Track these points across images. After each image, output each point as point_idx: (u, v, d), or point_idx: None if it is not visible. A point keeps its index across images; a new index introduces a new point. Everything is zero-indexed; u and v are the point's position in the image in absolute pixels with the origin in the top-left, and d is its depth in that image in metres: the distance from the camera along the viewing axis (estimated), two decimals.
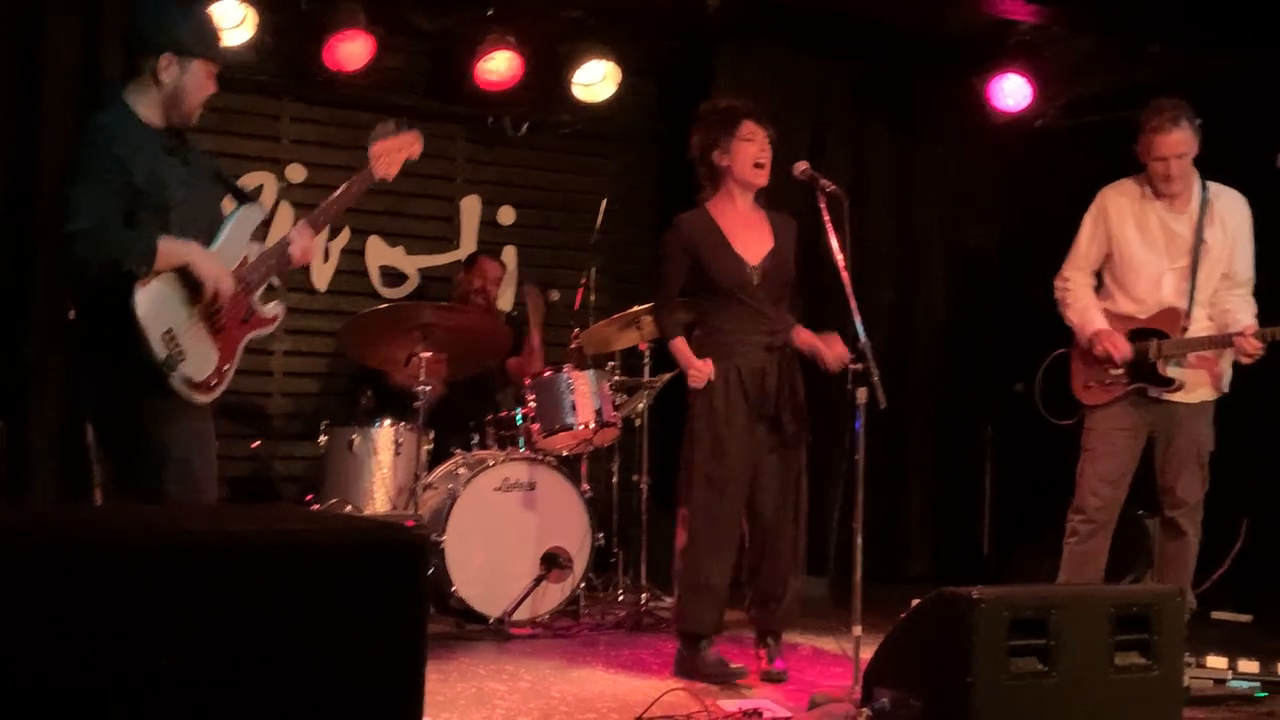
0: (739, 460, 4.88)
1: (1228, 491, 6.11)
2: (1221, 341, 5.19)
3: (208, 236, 3.99)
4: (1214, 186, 5.34)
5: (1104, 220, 5.43)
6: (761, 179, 5.00)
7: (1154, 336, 5.28)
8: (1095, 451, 5.36)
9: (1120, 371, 5.30)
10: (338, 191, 4.35)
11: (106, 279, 3.76)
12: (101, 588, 2.15)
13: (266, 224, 4.25)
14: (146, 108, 3.98)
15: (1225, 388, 5.36)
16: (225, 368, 3.99)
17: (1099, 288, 5.51)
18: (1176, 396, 5.27)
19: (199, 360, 3.90)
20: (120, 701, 2.15)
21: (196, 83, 4.02)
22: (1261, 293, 5.40)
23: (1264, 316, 5.18)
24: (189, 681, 2.20)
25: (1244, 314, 5.23)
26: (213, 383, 3.95)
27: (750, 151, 4.96)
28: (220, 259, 3.97)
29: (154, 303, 3.81)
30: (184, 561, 2.26)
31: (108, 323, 3.80)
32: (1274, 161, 5.02)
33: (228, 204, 4.21)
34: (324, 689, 2.34)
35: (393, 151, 4.44)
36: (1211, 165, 5.42)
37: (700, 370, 4.87)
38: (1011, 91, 7.26)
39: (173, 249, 3.86)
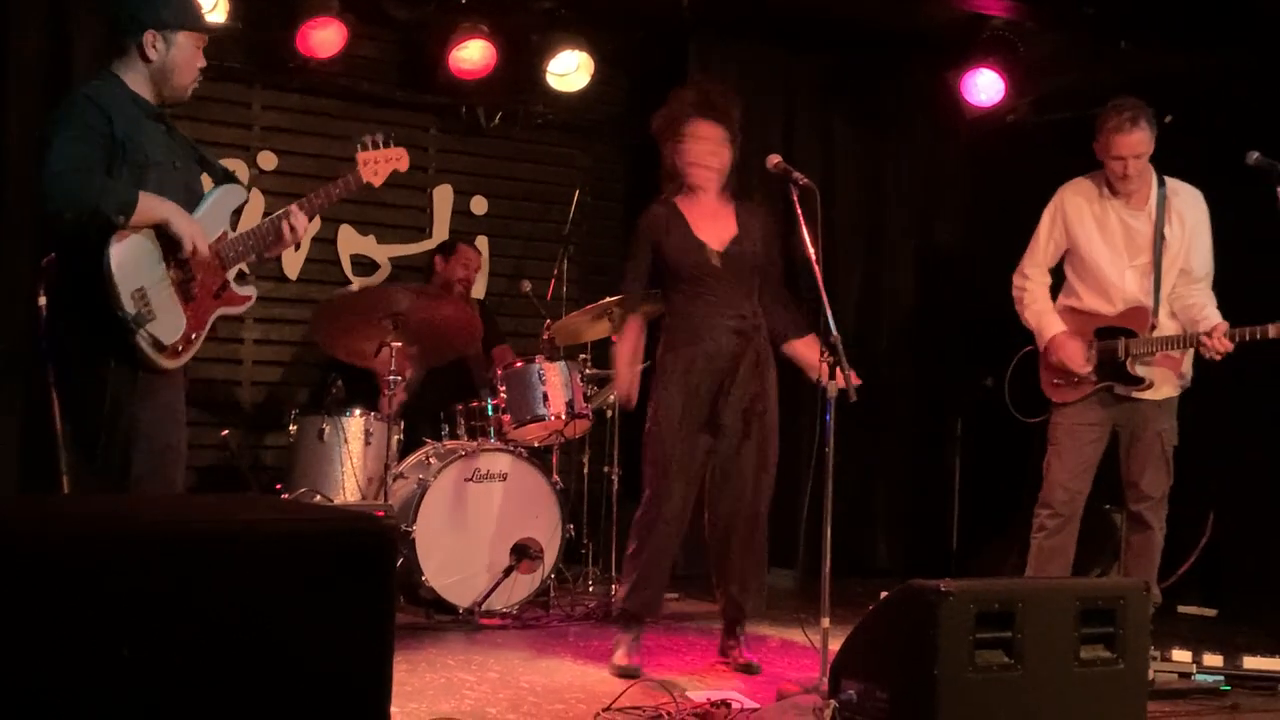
0: (697, 447, 4.89)
1: (1194, 486, 6.16)
2: (1190, 341, 5.23)
3: (185, 206, 3.99)
4: (1171, 183, 5.40)
5: (1062, 218, 5.50)
6: (702, 178, 4.99)
7: (1122, 335, 5.33)
8: (1061, 446, 5.41)
9: (1088, 370, 5.34)
10: (326, 187, 4.39)
11: (82, 227, 3.74)
12: (65, 581, 2.15)
13: (241, 208, 4.24)
14: (137, 84, 3.99)
15: (1188, 383, 5.42)
16: (194, 336, 3.98)
17: (1062, 283, 5.56)
18: (1144, 394, 5.32)
19: (167, 324, 3.89)
20: (82, 692, 2.14)
21: (185, 56, 4.03)
22: (1235, 287, 5.44)
23: (1237, 311, 5.22)
24: (152, 672, 2.20)
25: (1210, 310, 5.27)
26: (180, 348, 3.93)
27: (695, 151, 4.97)
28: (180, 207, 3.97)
29: (128, 258, 3.80)
30: (149, 552, 2.25)
31: (79, 278, 3.78)
32: (1248, 159, 5.04)
33: (205, 183, 4.21)
34: (290, 679, 2.33)
35: (380, 161, 4.53)
36: (1181, 162, 5.45)
37: (626, 396, 5.05)
38: (984, 86, 7.27)
39: (153, 204, 3.86)
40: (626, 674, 4.78)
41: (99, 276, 3.75)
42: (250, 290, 4.23)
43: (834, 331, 4.38)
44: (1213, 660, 4.76)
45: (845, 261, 7.67)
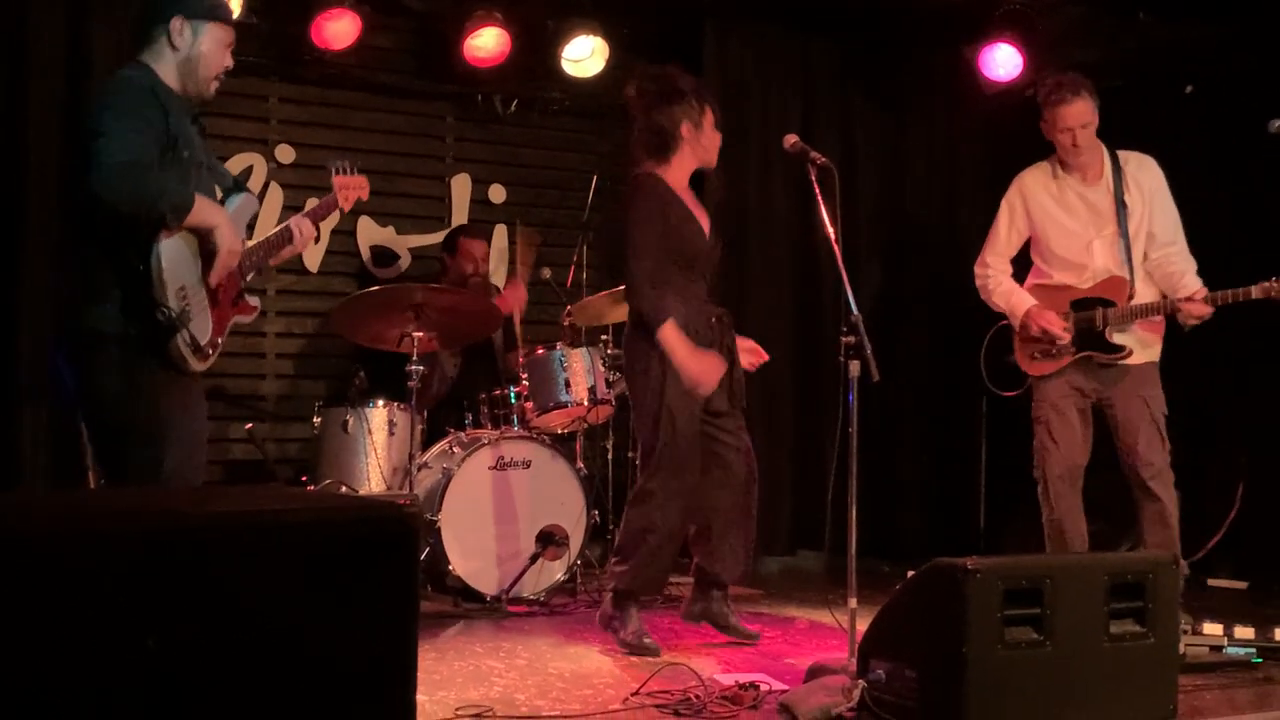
0: (694, 427, 4.90)
1: (1223, 458, 6.14)
2: (1168, 307, 5.28)
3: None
4: (1123, 154, 5.46)
5: (1021, 204, 5.57)
6: (706, 165, 5.09)
7: (1099, 305, 5.37)
8: (1049, 422, 5.47)
9: (1066, 341, 5.35)
10: (315, 204, 4.59)
11: (132, 219, 3.72)
12: (92, 573, 2.15)
13: (254, 220, 4.29)
14: (167, 75, 3.98)
15: (1158, 347, 5.45)
16: (218, 340, 4.00)
17: (1028, 270, 5.61)
18: (1123, 360, 5.37)
19: (201, 325, 3.91)
20: (109, 683, 2.15)
21: (211, 48, 4.03)
22: (1248, 256, 5.41)
23: (1253, 276, 5.19)
24: (177, 663, 2.20)
25: (1190, 278, 5.31)
26: (209, 351, 3.95)
27: (718, 141, 5.06)
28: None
29: (174, 256, 3.80)
30: (175, 544, 2.25)
31: (122, 272, 3.76)
32: (1269, 128, 5.02)
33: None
34: (314, 668, 2.33)
35: (350, 188, 4.69)
36: (1199, 131, 5.42)
37: (710, 372, 4.83)
38: (1002, 61, 7.22)
39: (207, 208, 3.87)
40: (645, 651, 4.80)
41: (145, 271, 3.73)
42: (256, 300, 4.27)
43: (854, 311, 4.36)
44: (1244, 633, 4.73)
45: (868, 241, 7.65)
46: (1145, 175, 5.43)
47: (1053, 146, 5.47)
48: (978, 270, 5.66)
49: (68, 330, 3.92)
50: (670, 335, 4.78)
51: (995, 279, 5.60)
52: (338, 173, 4.64)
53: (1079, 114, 5.32)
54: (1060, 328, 5.39)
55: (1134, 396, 5.36)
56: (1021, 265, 5.68)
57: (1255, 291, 5.09)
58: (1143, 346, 5.38)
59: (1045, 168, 5.54)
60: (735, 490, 5.06)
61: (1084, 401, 5.44)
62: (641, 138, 5.04)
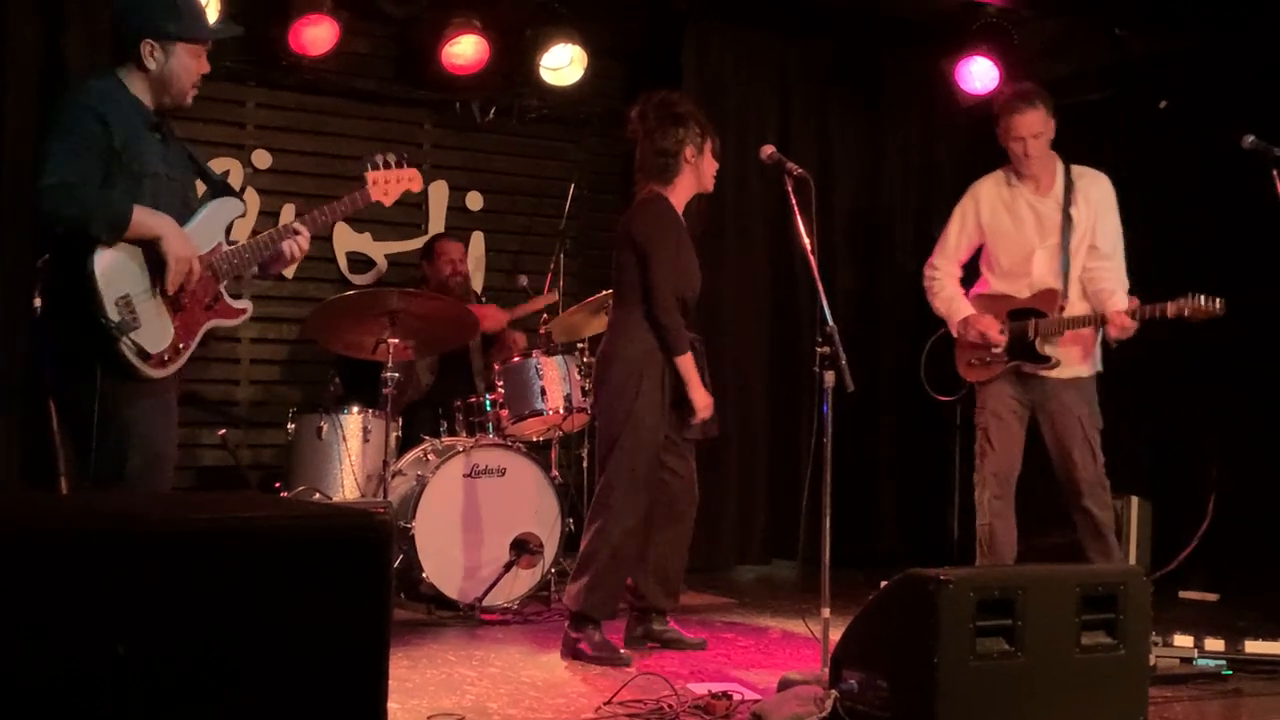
0: (656, 448, 4.98)
1: (1195, 471, 6.16)
2: (1097, 320, 5.34)
3: (179, 218, 3.98)
4: (1076, 169, 5.51)
5: (974, 211, 5.62)
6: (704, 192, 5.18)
7: (1033, 316, 5.43)
8: (988, 428, 5.53)
9: (1000, 350, 5.41)
10: (333, 204, 4.37)
11: (71, 237, 3.74)
12: (61, 579, 2.14)
13: (234, 222, 4.24)
14: (138, 89, 3.99)
15: (1099, 366, 5.51)
16: (181, 346, 3.97)
17: (974, 279, 5.66)
18: (1052, 373, 5.41)
19: (154, 333, 3.88)
20: (79, 689, 2.14)
21: (183, 65, 4.02)
22: (1231, 266, 5.44)
23: (1224, 290, 5.23)
24: (149, 669, 2.19)
25: (1120, 295, 5.35)
26: (166, 358, 3.92)
27: (715, 168, 5.13)
28: (192, 240, 3.96)
29: (112, 267, 3.81)
30: (148, 550, 2.24)
31: (67, 285, 3.79)
32: (1243, 142, 5.06)
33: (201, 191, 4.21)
34: (287, 675, 2.33)
35: (393, 182, 4.52)
36: (1174, 145, 5.45)
37: (711, 406, 4.98)
38: (979, 74, 7.26)
39: (147, 220, 3.85)
40: (617, 661, 4.83)
41: (84, 282, 3.76)
42: (245, 304, 4.22)
43: (830, 321, 4.37)
44: (1214, 645, 4.76)
45: (842, 250, 7.67)
46: (1094, 190, 5.48)
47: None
48: (926, 271, 5.73)
49: (43, 343, 3.95)
50: (688, 364, 4.94)
51: (940, 282, 5.67)
52: (373, 168, 4.51)
53: (1030, 124, 5.37)
54: (997, 331, 5.44)
55: (1067, 412, 5.41)
56: (972, 275, 5.73)
57: (1170, 309, 5.17)
58: (1071, 359, 5.42)
59: (1000, 176, 5.59)
60: (675, 518, 5.14)
61: (1020, 410, 5.50)
62: (645, 160, 5.08)
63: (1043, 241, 5.46)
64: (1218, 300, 5.13)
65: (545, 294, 6.95)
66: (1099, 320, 5.33)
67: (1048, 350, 5.40)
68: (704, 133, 5.05)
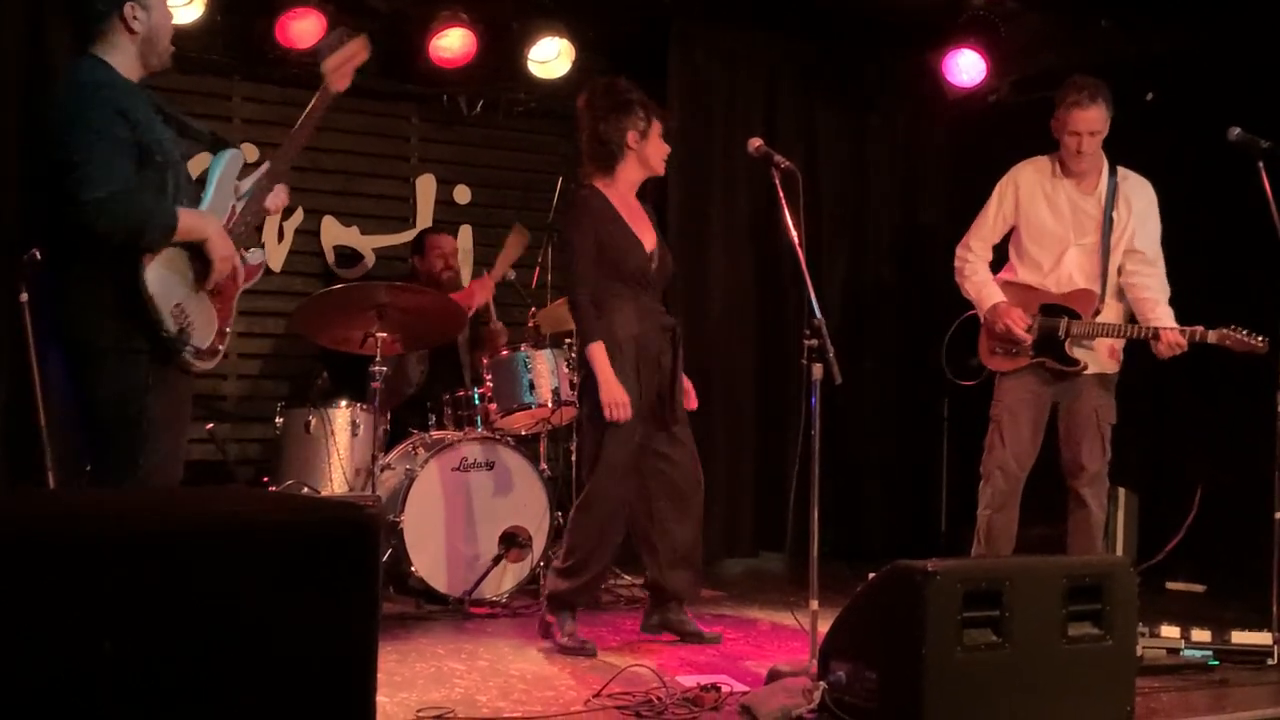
0: (638, 438, 4.97)
1: (1181, 462, 6.17)
2: (1130, 332, 5.30)
3: (193, 196, 3.99)
4: (1122, 171, 5.47)
5: (1014, 194, 5.55)
6: (654, 174, 5.19)
7: (1066, 314, 5.37)
8: (1003, 423, 5.49)
9: (1027, 344, 5.40)
10: (302, 120, 4.31)
11: (123, 248, 3.72)
12: (47, 575, 2.14)
13: (243, 171, 4.21)
14: (124, 64, 3.94)
15: (1120, 363, 5.49)
16: (225, 328, 4.03)
17: (1001, 262, 5.62)
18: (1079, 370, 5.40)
19: (204, 328, 3.93)
20: (67, 687, 2.14)
21: (163, 15, 4.02)
22: (1217, 264, 5.44)
23: (1213, 285, 5.24)
24: (137, 665, 2.19)
25: (1162, 309, 5.30)
26: (217, 346, 3.99)
27: (664, 151, 5.12)
28: (216, 217, 3.98)
29: (163, 277, 3.81)
30: (134, 546, 2.24)
31: (117, 282, 3.76)
32: (1229, 135, 5.07)
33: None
34: (275, 669, 2.33)
35: (344, 62, 4.41)
36: (1162, 141, 5.45)
37: (620, 404, 4.85)
38: (965, 67, 7.27)
39: (192, 223, 3.86)
40: (582, 652, 4.87)
41: (138, 297, 3.75)
42: (260, 255, 4.27)
43: (818, 315, 4.38)
44: (1201, 635, 4.77)
45: (829, 244, 7.67)
46: (1138, 195, 5.42)
47: (1055, 145, 5.46)
48: (959, 252, 5.63)
49: (61, 342, 3.90)
50: (597, 356, 4.89)
51: (973, 265, 5.58)
52: (324, 56, 4.43)
53: (1090, 120, 5.29)
54: (1023, 328, 5.39)
55: (1084, 404, 5.40)
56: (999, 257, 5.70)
57: (1212, 336, 5.14)
58: (1098, 359, 5.40)
59: (1045, 164, 5.50)
60: (681, 504, 5.12)
61: (1040, 407, 5.46)
62: (588, 148, 5.11)
63: (1078, 239, 5.41)
64: (1260, 337, 5.08)
65: (516, 236, 6.87)
66: (1140, 333, 5.25)
67: (1077, 353, 5.36)
68: (649, 115, 5.05)
